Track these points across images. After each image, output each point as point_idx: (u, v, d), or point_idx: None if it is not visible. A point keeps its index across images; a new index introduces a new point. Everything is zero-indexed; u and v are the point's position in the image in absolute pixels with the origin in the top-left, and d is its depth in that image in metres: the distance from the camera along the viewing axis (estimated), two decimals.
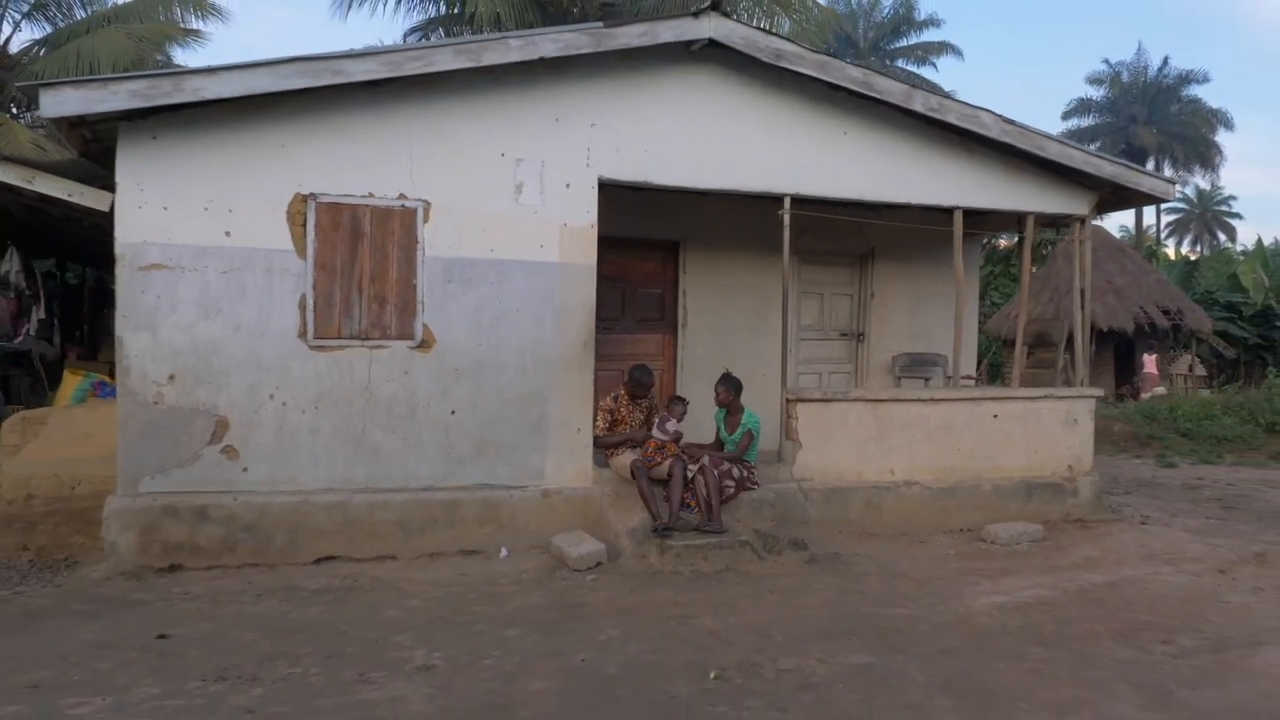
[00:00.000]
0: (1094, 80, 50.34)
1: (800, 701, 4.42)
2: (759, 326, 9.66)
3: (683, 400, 7.91)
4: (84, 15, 23.26)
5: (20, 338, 9.58)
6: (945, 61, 44.84)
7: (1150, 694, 4.55)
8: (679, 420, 7.71)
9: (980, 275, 26.93)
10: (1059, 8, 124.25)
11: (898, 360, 10.34)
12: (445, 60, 6.86)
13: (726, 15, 7.49)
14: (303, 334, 6.93)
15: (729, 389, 7.72)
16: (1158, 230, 61.15)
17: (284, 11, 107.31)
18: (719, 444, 7.84)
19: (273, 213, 6.84)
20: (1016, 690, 4.58)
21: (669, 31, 7.37)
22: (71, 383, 8.68)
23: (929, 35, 45.12)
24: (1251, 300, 31.39)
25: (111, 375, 10.22)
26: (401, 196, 7.09)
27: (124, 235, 6.60)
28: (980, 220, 9.62)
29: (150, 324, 6.64)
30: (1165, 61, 49.33)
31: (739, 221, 9.19)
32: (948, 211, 8.70)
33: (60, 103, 6.13)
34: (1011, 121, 8.36)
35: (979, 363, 23.11)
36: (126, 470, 6.66)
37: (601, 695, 4.48)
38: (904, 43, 45.44)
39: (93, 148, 7.24)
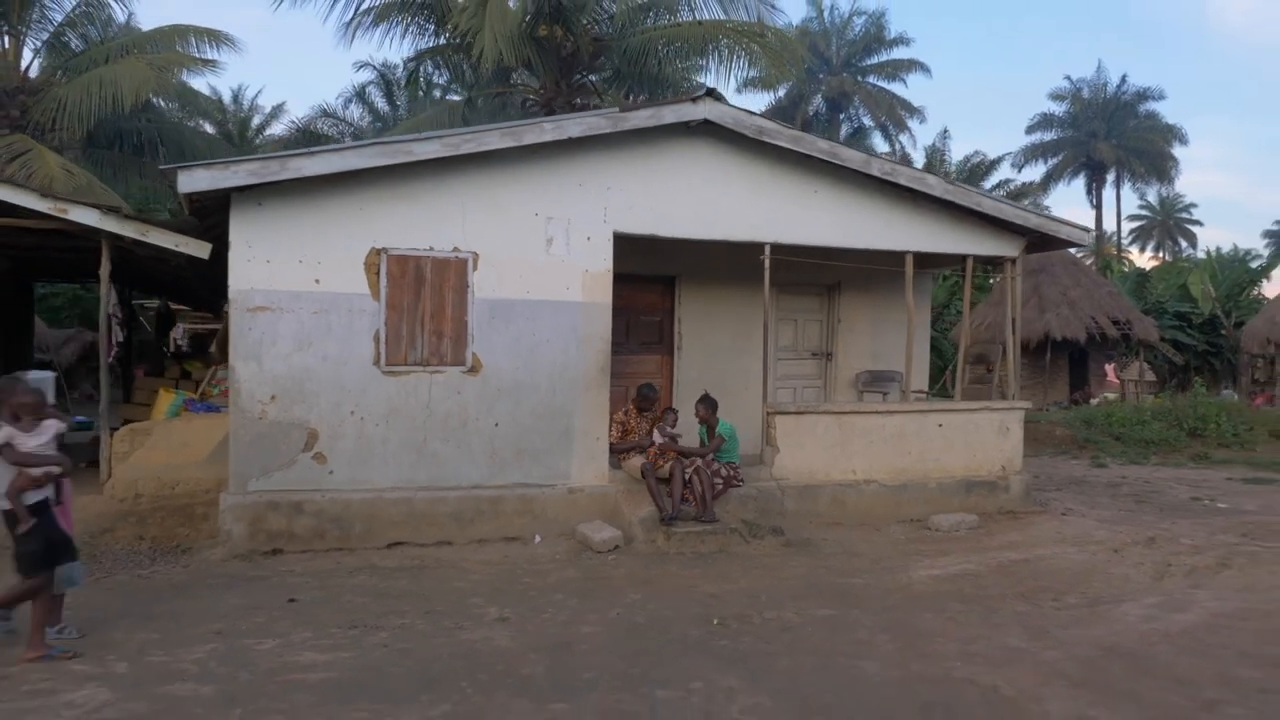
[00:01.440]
0: (1056, 96, 52.57)
1: (780, 638, 6.10)
2: (743, 348, 11.31)
3: (674, 410, 9.69)
4: (99, 39, 24.36)
5: (111, 357, 11.07)
6: (914, 78, 46.60)
7: (1033, 632, 6.26)
8: (673, 426, 9.47)
9: (945, 287, 28.73)
10: (1025, 22, 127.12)
11: (861, 377, 12.06)
12: (494, 141, 8.51)
13: (719, 100, 9.17)
14: (376, 362, 8.54)
15: (707, 408, 9.42)
16: (1118, 238, 63.56)
17: (254, 13, 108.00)
18: None
19: (353, 264, 8.45)
20: (937, 631, 6.28)
21: (672, 114, 9.05)
22: (166, 399, 10.22)
23: (899, 53, 47.11)
24: (1199, 310, 33.35)
25: (177, 388, 11.76)
26: (456, 249, 8.72)
27: (235, 283, 8.20)
28: (929, 260, 11.31)
29: (256, 355, 8.23)
30: (1124, 79, 51.65)
31: (726, 259, 10.80)
32: (901, 254, 10.41)
33: (194, 180, 7.73)
34: (953, 182, 10.13)
35: (945, 370, 24.95)
36: (237, 472, 8.24)
37: (635, 635, 6.14)
38: (875, 60, 47.40)
39: (195, 206, 8.81)
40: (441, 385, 8.73)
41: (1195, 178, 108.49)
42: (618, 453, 9.36)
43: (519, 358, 8.95)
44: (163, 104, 26.16)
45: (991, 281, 26.47)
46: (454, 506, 8.70)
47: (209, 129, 33.57)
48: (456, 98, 31.81)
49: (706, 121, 9.20)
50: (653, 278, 11.21)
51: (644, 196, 9.28)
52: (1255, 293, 36.56)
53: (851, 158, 9.71)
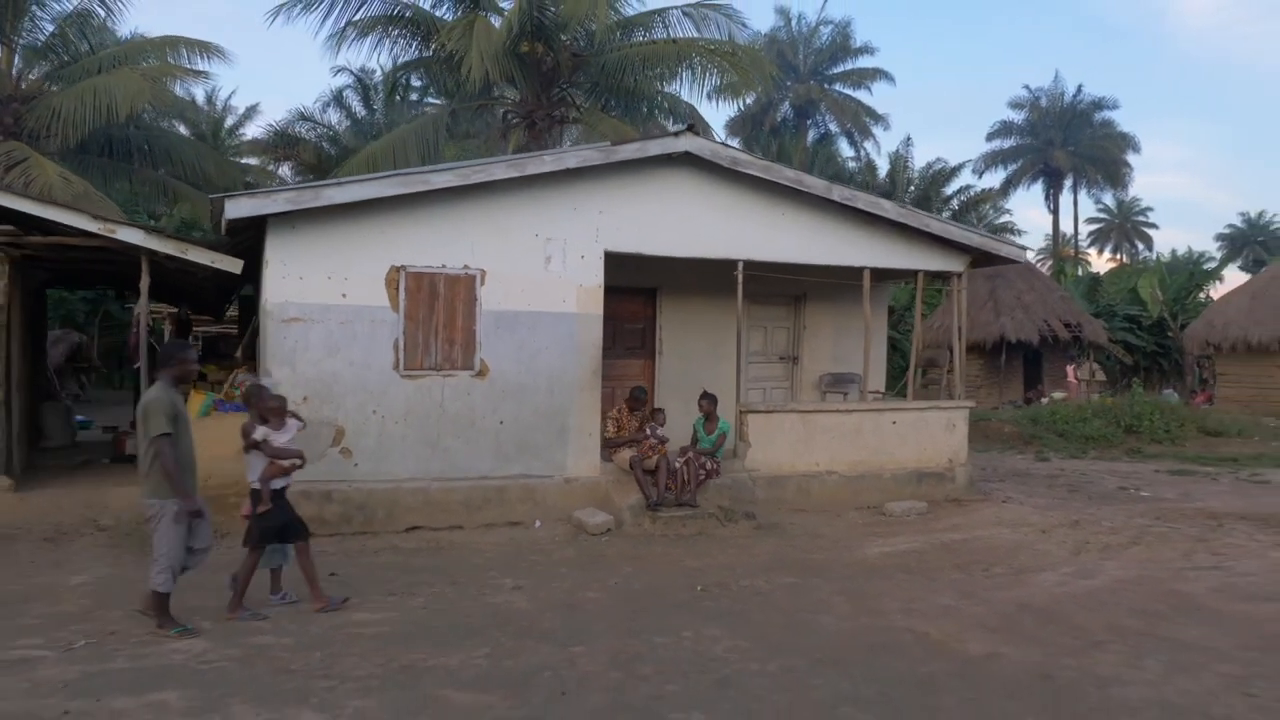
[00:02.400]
0: (1015, 105, 54.38)
1: (754, 600, 7.29)
2: (718, 353, 12.44)
3: (662, 411, 10.84)
4: (89, 49, 24.91)
5: (139, 363, 12.04)
6: (878, 86, 48.10)
7: (964, 594, 7.50)
8: (662, 425, 10.63)
9: (907, 290, 30.07)
10: (987, 32, 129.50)
11: (824, 379, 13.30)
12: (500, 172, 9.64)
13: (697, 134, 10.36)
14: (396, 367, 9.63)
15: (710, 402, 10.62)
16: (1075, 240, 65.63)
17: (224, 9, 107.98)
18: (694, 442, 10.66)
19: (375, 280, 9.54)
20: (883, 593, 7.50)
21: (656, 147, 10.23)
22: (197, 400, 11.17)
23: (864, 62, 48.57)
24: (1148, 313, 34.99)
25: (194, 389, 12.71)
26: (465, 267, 9.83)
27: (272, 297, 9.26)
28: (884, 274, 12.54)
29: (290, 361, 9.30)
30: (1079, 89, 53.53)
31: (703, 273, 11.92)
32: (859, 269, 11.63)
33: (239, 208, 8.80)
34: (905, 206, 11.40)
35: (905, 369, 26.29)
36: None
37: (632, 599, 7.31)
38: (841, 68, 48.83)
39: (229, 227, 9.83)
40: (453, 387, 9.83)
41: (1156, 179, 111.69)
42: (612, 446, 10.51)
43: (521, 363, 10.07)
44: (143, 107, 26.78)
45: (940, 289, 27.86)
46: (464, 495, 9.80)
47: (183, 130, 34.18)
48: (436, 100, 32.70)
49: (687, 153, 10.37)
50: (636, 289, 12.33)
51: (631, 219, 10.43)
52: (1202, 296, 38.24)
53: (815, 184, 10.94)
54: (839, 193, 11.04)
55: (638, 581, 7.87)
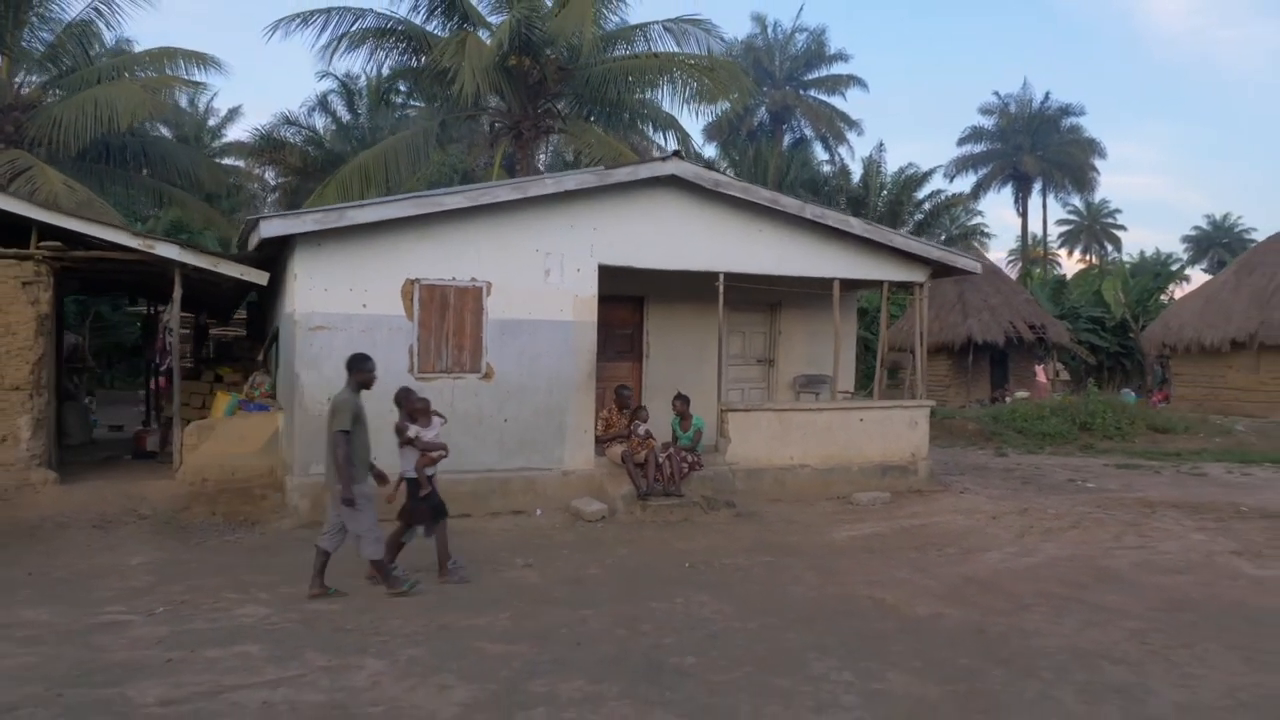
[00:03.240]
0: (985, 111, 55.80)
1: (735, 575, 8.37)
2: (700, 356, 13.50)
3: (644, 408, 11.89)
4: (86, 57, 25.53)
5: (164, 365, 12.96)
6: (852, 92, 49.36)
7: (917, 569, 8.60)
8: (646, 422, 11.67)
9: (879, 292, 31.13)
10: (960, 37, 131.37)
11: (798, 380, 14.39)
12: (505, 194, 10.67)
13: (683, 159, 11.42)
14: (410, 370, 10.62)
15: (683, 402, 11.67)
16: (1044, 242, 67.23)
17: (203, 6, 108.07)
18: (674, 439, 11.72)
19: (392, 291, 10.53)
20: (849, 569, 8.60)
21: (646, 170, 11.30)
22: (223, 401, 12.17)
23: (838, 68, 49.82)
24: (1112, 314, 36.34)
25: (211, 390, 13.64)
26: (473, 279, 10.84)
27: (300, 307, 10.23)
28: (853, 284, 13.66)
29: (316, 365, 10.27)
30: (1047, 96, 55.06)
31: (686, 283, 12.98)
32: (829, 280, 12.73)
33: (273, 228, 9.80)
34: (871, 223, 12.50)
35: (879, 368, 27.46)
36: (300, 460, 10.27)
37: (629, 574, 8.36)
38: (816, 75, 50.05)
39: (258, 243, 10.79)
40: (462, 389, 10.84)
41: (1127, 180, 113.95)
42: (602, 442, 11.55)
43: (523, 366, 11.10)
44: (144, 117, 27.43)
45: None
46: (472, 486, 10.79)
47: (165, 131, 34.78)
48: (418, 104, 33.44)
49: (673, 175, 11.44)
50: (626, 297, 13.36)
51: (622, 235, 11.48)
52: (1164, 298, 39.56)
53: (789, 204, 12.04)
54: (810, 211, 12.15)
55: (632, 560, 8.93)
